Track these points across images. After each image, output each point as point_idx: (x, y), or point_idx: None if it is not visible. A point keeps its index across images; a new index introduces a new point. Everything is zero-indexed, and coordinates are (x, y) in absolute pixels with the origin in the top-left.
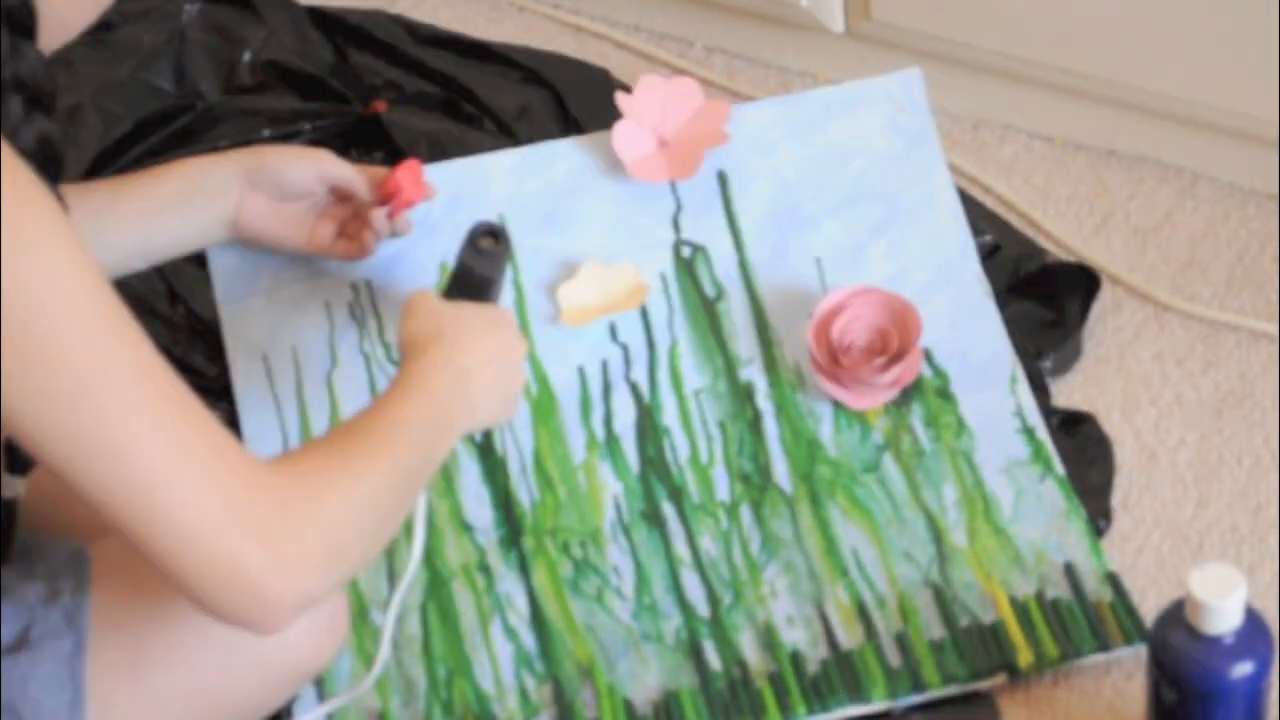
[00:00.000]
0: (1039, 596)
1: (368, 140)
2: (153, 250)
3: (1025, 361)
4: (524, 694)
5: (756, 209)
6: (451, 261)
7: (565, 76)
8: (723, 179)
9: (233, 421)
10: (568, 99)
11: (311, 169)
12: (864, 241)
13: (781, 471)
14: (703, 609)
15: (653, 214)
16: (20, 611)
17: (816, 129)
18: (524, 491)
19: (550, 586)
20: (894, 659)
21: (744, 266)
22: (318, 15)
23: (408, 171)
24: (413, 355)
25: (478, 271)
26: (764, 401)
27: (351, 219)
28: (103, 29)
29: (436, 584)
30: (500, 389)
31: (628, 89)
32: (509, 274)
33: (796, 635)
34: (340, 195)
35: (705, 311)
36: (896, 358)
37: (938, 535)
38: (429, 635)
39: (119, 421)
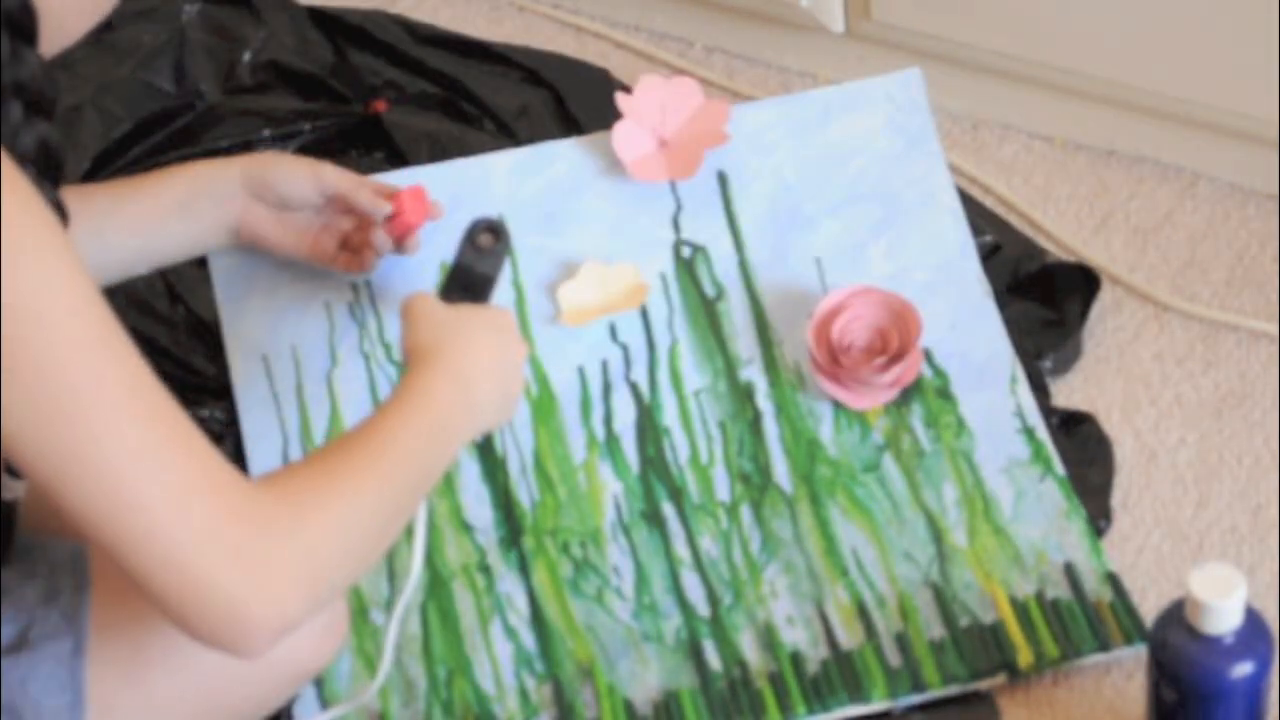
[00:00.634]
0: (1039, 596)
1: (368, 140)
2: (155, 255)
3: (1025, 361)
4: (524, 694)
5: (756, 209)
6: (451, 261)
7: (565, 76)
8: (723, 179)
9: (233, 421)
10: (568, 99)
11: (309, 180)
12: (864, 241)
13: (781, 471)
14: (703, 609)
15: (653, 214)
16: (20, 612)
17: (816, 129)
18: (524, 491)
19: (550, 586)
20: (894, 659)
21: (744, 266)
22: (318, 15)
23: (411, 195)
24: (414, 366)
25: (477, 270)
26: (764, 401)
27: (355, 230)
28: (103, 29)
29: (436, 584)
30: (501, 392)
31: (628, 89)
32: (508, 272)
33: (796, 635)
34: (343, 206)
35: (705, 311)
36: (896, 358)
37: (938, 535)
38: (429, 635)
39: (105, 439)
